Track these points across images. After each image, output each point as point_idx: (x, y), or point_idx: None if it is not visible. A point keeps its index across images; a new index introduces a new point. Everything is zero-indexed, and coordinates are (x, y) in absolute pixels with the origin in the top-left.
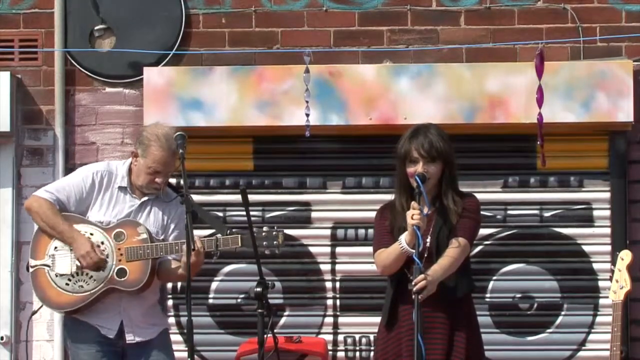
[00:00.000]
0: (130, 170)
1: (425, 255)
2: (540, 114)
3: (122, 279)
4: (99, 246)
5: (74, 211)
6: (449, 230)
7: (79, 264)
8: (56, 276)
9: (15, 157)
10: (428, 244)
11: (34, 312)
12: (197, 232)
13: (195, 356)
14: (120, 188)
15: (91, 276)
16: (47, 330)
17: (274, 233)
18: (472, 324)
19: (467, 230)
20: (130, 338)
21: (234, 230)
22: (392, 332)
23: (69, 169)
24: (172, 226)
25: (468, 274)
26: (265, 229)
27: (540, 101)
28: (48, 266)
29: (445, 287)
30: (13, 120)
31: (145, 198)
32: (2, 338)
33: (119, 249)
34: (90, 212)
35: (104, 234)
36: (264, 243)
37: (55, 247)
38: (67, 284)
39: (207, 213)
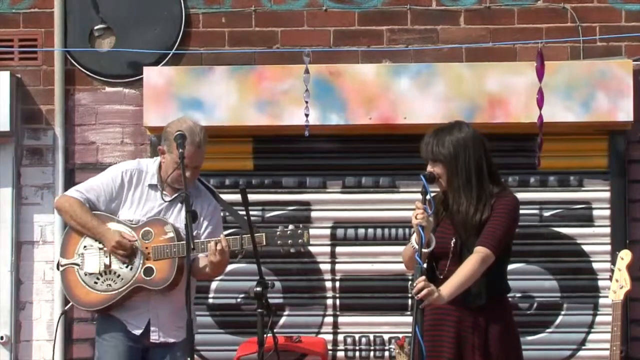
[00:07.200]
0: (160, 168)
1: (451, 255)
2: (540, 116)
3: (149, 278)
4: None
5: (104, 210)
6: (468, 230)
7: (107, 262)
8: (85, 275)
9: (15, 157)
10: (452, 245)
11: (64, 312)
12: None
13: (195, 356)
14: (151, 186)
15: (119, 275)
16: (47, 330)
17: (299, 231)
18: (498, 331)
19: (489, 238)
20: (154, 337)
21: (259, 229)
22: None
23: (68, 168)
24: (205, 223)
25: (494, 280)
26: (290, 227)
27: (540, 102)
28: (77, 265)
29: (463, 295)
30: (13, 120)
31: (176, 195)
32: (1, 338)
33: (147, 248)
34: (121, 210)
35: (132, 232)
36: (289, 241)
37: (85, 246)
38: (95, 283)
39: (234, 211)
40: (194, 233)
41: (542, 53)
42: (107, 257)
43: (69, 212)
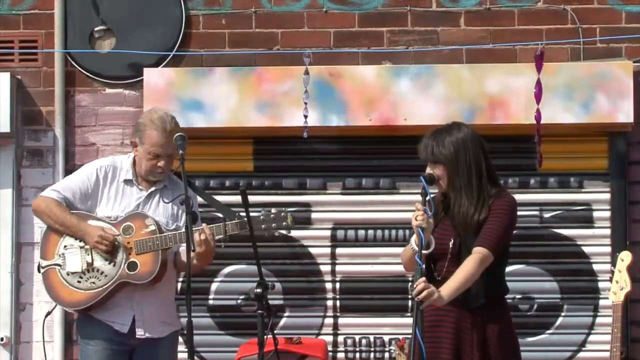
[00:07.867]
0: (135, 162)
1: (449, 256)
2: (538, 111)
3: (133, 272)
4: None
5: (81, 208)
6: (467, 231)
7: (89, 260)
8: (67, 275)
9: (15, 158)
10: (451, 246)
11: (49, 313)
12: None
13: (195, 357)
14: (126, 181)
15: (102, 272)
16: (46, 331)
17: (283, 214)
18: (496, 331)
19: (488, 238)
20: (140, 333)
21: (242, 215)
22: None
23: (69, 170)
24: (182, 213)
25: (493, 281)
26: (273, 210)
27: (538, 96)
28: (59, 265)
29: (462, 295)
30: (13, 121)
31: (153, 189)
32: (2, 339)
33: (128, 243)
34: (98, 207)
35: (112, 228)
36: (273, 225)
37: (65, 246)
38: (78, 282)
39: (215, 200)
40: (174, 226)
41: (543, 50)
42: (89, 255)
43: (46, 212)
